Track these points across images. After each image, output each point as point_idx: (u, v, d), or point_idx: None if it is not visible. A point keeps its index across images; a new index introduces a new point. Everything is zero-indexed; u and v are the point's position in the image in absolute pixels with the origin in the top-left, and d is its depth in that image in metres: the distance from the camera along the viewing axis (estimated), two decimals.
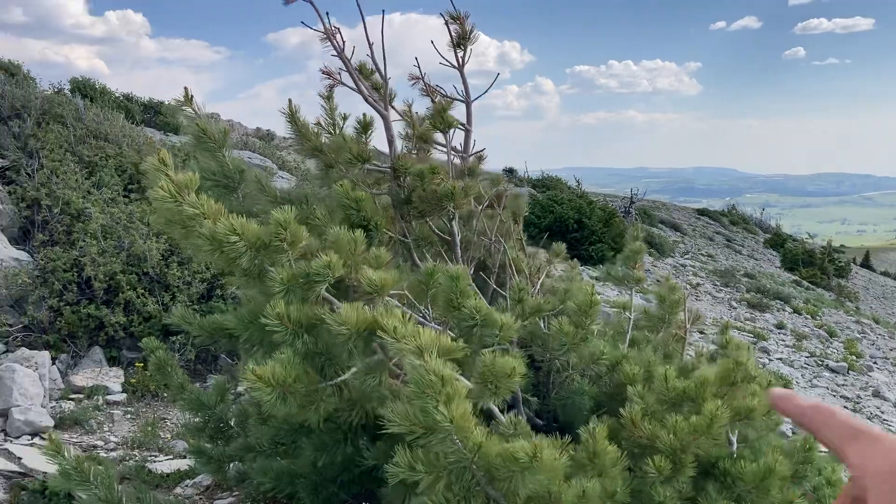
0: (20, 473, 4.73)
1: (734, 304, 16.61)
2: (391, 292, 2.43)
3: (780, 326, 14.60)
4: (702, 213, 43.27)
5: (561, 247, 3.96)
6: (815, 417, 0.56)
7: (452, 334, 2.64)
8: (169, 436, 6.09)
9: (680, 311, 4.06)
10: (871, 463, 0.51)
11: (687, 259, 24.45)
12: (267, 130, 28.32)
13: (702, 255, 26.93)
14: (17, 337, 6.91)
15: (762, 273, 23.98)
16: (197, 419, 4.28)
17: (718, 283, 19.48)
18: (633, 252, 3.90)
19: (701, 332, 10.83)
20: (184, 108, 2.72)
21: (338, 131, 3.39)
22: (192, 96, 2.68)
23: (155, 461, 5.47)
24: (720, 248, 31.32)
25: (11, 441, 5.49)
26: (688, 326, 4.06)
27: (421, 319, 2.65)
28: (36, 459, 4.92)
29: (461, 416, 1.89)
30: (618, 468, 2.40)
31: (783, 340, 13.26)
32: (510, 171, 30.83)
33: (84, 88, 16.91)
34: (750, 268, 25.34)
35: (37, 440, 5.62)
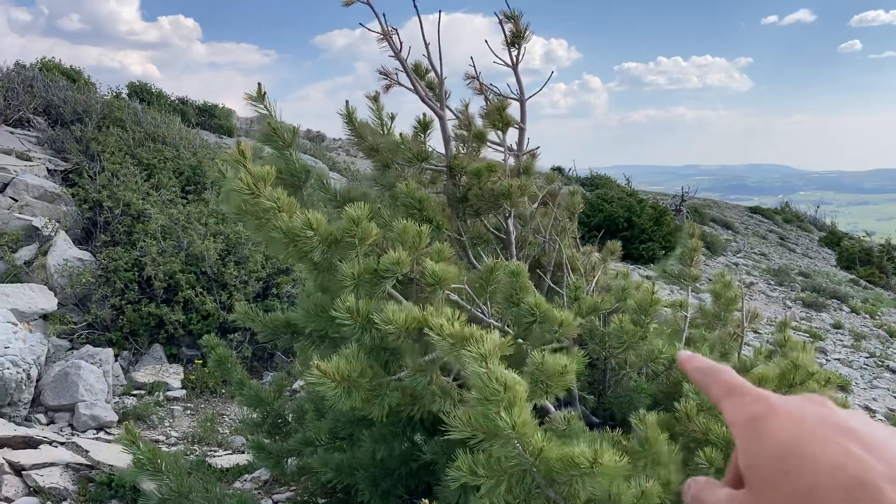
0: (87, 466, 4.89)
1: (789, 303, 16.29)
2: (452, 286, 2.47)
3: (837, 326, 14.27)
4: (754, 210, 42.41)
5: (616, 245, 3.96)
6: (703, 378, 0.59)
7: (510, 331, 2.67)
8: (227, 431, 6.24)
9: (736, 309, 4.02)
10: (736, 416, 0.54)
11: (740, 257, 24.03)
12: (317, 132, 28.67)
13: (755, 253, 26.44)
14: (81, 335, 7.13)
15: (817, 272, 23.46)
16: (255, 415, 4.37)
17: (772, 282, 19.12)
18: (689, 250, 3.88)
19: (756, 332, 10.66)
20: (255, 104, 2.79)
21: (386, 131, 3.45)
22: (265, 93, 2.74)
23: (214, 456, 5.60)
24: (773, 246, 30.71)
25: (78, 435, 5.67)
26: (745, 325, 4.02)
27: (479, 315, 2.69)
28: (102, 452, 5.08)
29: (523, 422, 1.91)
30: (673, 460, 2.40)
31: (841, 340, 12.96)
32: (558, 170, 30.64)
33: (141, 92, 17.33)
34: (805, 266, 24.79)
35: (102, 434, 5.80)
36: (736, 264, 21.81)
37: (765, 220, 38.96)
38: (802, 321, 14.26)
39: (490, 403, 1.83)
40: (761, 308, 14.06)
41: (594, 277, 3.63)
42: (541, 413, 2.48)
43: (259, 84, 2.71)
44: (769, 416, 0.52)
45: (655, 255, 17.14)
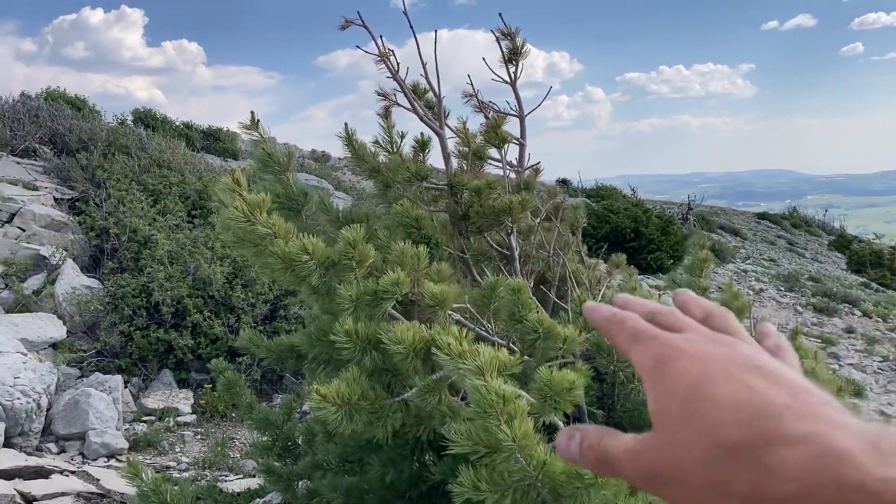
0: (99, 495, 4.89)
1: (799, 308, 16.19)
2: (454, 306, 2.46)
3: (849, 331, 14.18)
4: (762, 216, 42.31)
5: (621, 257, 3.94)
6: (610, 327, 0.57)
7: (515, 348, 2.66)
8: (238, 455, 6.22)
9: (745, 319, 4.00)
10: (643, 361, 0.53)
11: (748, 264, 23.93)
12: (322, 152, 28.78)
13: (764, 259, 26.34)
14: (91, 362, 7.14)
15: (828, 276, 23.34)
16: (265, 438, 4.36)
17: (782, 288, 19.02)
18: (699, 261, 3.85)
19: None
20: (249, 131, 2.80)
21: (395, 149, 3.45)
22: (258, 120, 2.75)
23: (226, 481, 5.58)
24: (782, 251, 30.58)
25: (89, 463, 5.67)
26: (754, 334, 3.98)
27: (483, 333, 2.67)
28: (113, 481, 5.07)
29: (524, 434, 1.89)
30: None
31: (853, 345, 12.86)
32: (563, 182, 30.68)
33: (146, 118, 17.45)
34: (814, 271, 24.68)
35: (113, 462, 5.79)
36: (745, 271, 21.72)
37: (773, 226, 38.86)
38: (814, 326, 14.17)
39: (489, 416, 1.81)
40: (771, 315, 13.99)
41: (600, 291, 3.61)
42: (550, 430, 2.46)
43: (252, 112, 2.73)
44: (675, 359, 0.51)
45: (663, 265, 17.09)
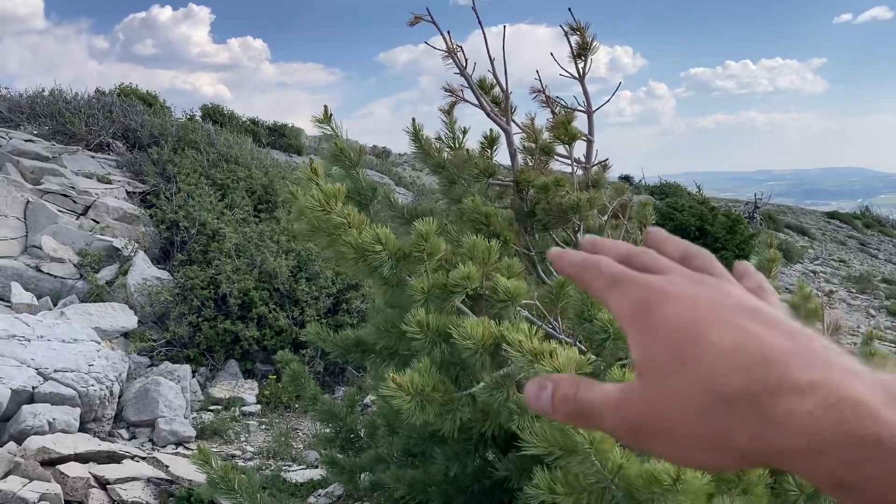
0: (167, 480, 5.02)
1: (872, 311, 15.67)
2: (522, 302, 2.46)
3: None
4: (832, 216, 40.99)
5: None
6: (581, 273, 0.52)
7: (583, 347, 2.63)
8: (301, 446, 6.32)
9: (817, 321, 3.88)
10: (623, 307, 0.49)
11: (817, 265, 23.24)
12: (383, 147, 29.03)
13: (833, 260, 25.54)
14: (160, 351, 7.35)
15: None
16: (328, 430, 4.42)
17: (854, 290, 18.43)
18: (767, 260, 3.76)
19: (837, 343, 10.27)
20: (322, 125, 2.84)
21: (458, 145, 3.46)
22: (331, 114, 2.79)
23: (289, 471, 5.68)
24: (854, 252, 29.61)
25: (158, 449, 5.83)
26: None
27: (550, 331, 2.66)
28: (181, 467, 5.20)
29: (601, 437, 1.87)
30: (761, 486, 2.32)
31: None
32: (626, 179, 30.26)
33: (214, 114, 17.85)
34: (888, 273, 23.83)
35: (181, 449, 5.95)
36: (814, 272, 21.11)
37: (843, 226, 37.63)
38: (888, 330, 13.69)
39: None
40: (842, 317, 13.57)
41: None
42: None
43: (325, 106, 2.76)
44: (659, 303, 0.47)
45: (730, 265, 16.68)
